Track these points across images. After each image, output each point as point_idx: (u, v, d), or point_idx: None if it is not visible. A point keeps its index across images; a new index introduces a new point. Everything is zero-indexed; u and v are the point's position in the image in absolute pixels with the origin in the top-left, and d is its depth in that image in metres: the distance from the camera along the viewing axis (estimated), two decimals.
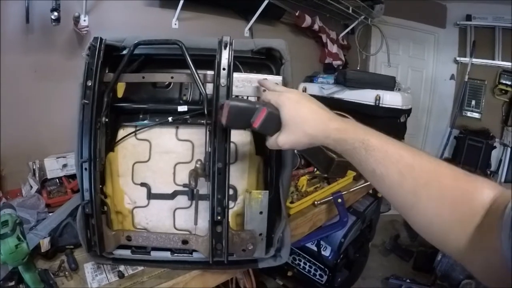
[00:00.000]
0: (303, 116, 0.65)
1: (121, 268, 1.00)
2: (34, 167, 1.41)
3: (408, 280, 2.45)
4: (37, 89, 1.45)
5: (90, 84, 0.84)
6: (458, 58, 3.51)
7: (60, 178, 1.44)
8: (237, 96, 0.85)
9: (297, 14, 2.38)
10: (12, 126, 1.39)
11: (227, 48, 0.84)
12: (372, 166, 0.55)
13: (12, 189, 1.39)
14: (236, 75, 0.85)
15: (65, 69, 1.44)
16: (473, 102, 3.45)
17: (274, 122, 0.67)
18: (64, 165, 1.43)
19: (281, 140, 0.67)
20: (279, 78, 0.88)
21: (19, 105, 1.41)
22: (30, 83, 1.42)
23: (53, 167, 1.42)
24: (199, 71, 0.85)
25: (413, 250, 2.97)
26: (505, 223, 0.38)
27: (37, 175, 1.41)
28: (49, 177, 1.42)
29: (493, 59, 3.31)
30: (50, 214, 1.22)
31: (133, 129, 0.95)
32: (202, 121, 0.87)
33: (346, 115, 1.36)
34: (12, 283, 0.86)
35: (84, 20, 1.46)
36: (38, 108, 1.46)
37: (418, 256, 2.88)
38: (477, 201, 0.45)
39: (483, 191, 0.46)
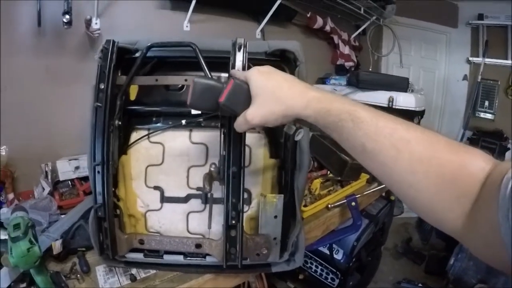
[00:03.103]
0: (276, 84, 0.57)
1: (133, 271, 0.99)
2: (47, 169, 1.42)
3: (420, 284, 2.42)
4: (49, 92, 1.45)
5: (102, 87, 0.84)
6: (470, 58, 3.44)
7: (72, 180, 1.44)
8: None
9: (308, 15, 2.36)
10: (25, 128, 1.39)
11: (241, 50, 0.82)
12: (361, 141, 0.48)
13: (25, 191, 1.40)
14: None
15: (76, 72, 1.45)
16: (486, 103, 3.38)
17: (243, 95, 0.58)
18: (77, 167, 1.43)
19: (250, 113, 0.58)
20: None
21: (31, 108, 1.41)
22: (42, 85, 1.43)
23: (65, 169, 1.42)
24: (212, 74, 0.84)
25: (425, 254, 2.93)
26: (501, 204, 0.35)
27: (49, 177, 1.41)
28: (61, 179, 1.42)
29: (506, 59, 3.24)
30: (62, 216, 1.23)
31: (146, 132, 0.95)
32: (216, 124, 0.86)
33: None
34: (24, 285, 0.86)
35: (96, 23, 1.46)
36: (50, 111, 1.47)
37: (430, 260, 2.84)
38: (474, 176, 0.42)
39: (479, 164, 0.42)
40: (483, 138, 3.13)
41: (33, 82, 1.40)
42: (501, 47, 3.25)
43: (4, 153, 1.34)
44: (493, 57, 3.29)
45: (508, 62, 3.23)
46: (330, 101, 0.53)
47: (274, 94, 0.56)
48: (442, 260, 2.62)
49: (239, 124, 0.62)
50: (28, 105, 1.40)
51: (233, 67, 0.81)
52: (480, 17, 3.29)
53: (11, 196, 1.33)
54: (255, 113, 0.58)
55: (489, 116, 3.39)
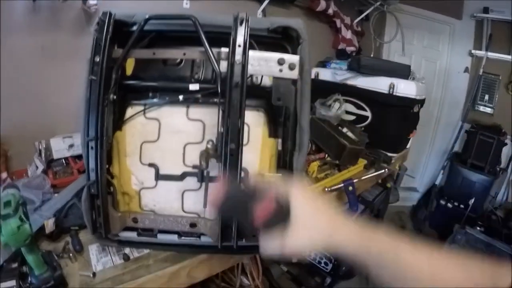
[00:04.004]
0: (319, 216, 0.53)
1: (127, 250, 0.99)
2: (40, 147, 1.40)
3: None
4: (44, 69, 1.43)
5: (98, 59, 0.81)
6: (473, 51, 3.41)
7: (66, 158, 1.42)
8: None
9: None
10: (19, 106, 1.37)
11: (243, 25, 0.79)
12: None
13: (18, 170, 1.38)
14: (251, 53, 0.80)
15: (72, 48, 1.41)
16: (486, 97, 3.37)
17: (281, 216, 0.51)
18: (71, 145, 1.41)
19: (290, 243, 0.52)
20: (296, 58, 0.83)
21: (26, 85, 1.39)
22: (37, 62, 1.40)
23: (59, 147, 1.40)
24: (212, 49, 0.81)
25: None
26: None
27: (43, 155, 1.39)
28: (55, 157, 1.40)
29: (509, 54, 3.21)
30: (56, 194, 1.21)
31: (142, 108, 0.91)
32: (215, 100, 0.83)
33: None
34: (15, 265, 0.84)
35: None
36: (45, 88, 1.44)
37: None
38: None
39: None
40: (481, 132, 3.13)
41: (28, 59, 1.37)
42: (504, 42, 3.22)
43: None
44: (496, 52, 3.26)
45: (511, 57, 3.20)
46: (368, 239, 0.51)
47: (317, 225, 0.52)
48: None
49: (272, 249, 0.54)
50: (23, 83, 1.38)
51: (234, 41, 0.78)
52: (485, 10, 3.25)
53: (4, 175, 1.32)
54: (295, 246, 0.52)
55: (488, 110, 3.39)
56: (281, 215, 0.51)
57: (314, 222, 0.52)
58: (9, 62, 1.30)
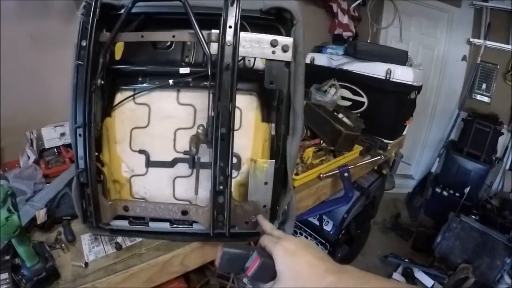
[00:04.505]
0: (298, 269, 0.60)
1: (119, 239, 0.98)
2: (31, 136, 1.38)
3: (406, 260, 2.46)
4: (34, 57, 1.41)
5: (84, 44, 0.78)
6: (471, 39, 3.36)
7: (58, 147, 1.40)
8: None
9: None
10: (10, 96, 1.35)
11: (235, 5, 0.76)
12: None
13: (10, 161, 1.37)
14: (243, 34, 0.77)
15: (62, 36, 1.38)
16: (484, 86, 3.34)
17: (268, 271, 0.62)
18: (62, 134, 1.39)
19: None
20: (289, 40, 0.80)
21: (16, 75, 1.37)
22: (26, 51, 1.38)
23: (51, 136, 1.38)
24: (203, 31, 0.78)
25: (412, 230, 2.99)
26: None
27: (34, 145, 1.37)
28: (46, 146, 1.38)
29: (508, 44, 3.17)
30: (47, 184, 1.19)
31: (131, 93, 0.89)
32: (206, 83, 0.81)
33: None
34: (8, 257, 0.83)
35: None
36: (36, 77, 1.43)
37: (417, 236, 2.90)
38: None
39: None
40: (478, 121, 3.12)
41: (17, 48, 1.35)
42: (503, 31, 3.18)
43: None
44: (494, 41, 3.21)
45: (509, 47, 3.16)
46: (342, 285, 0.56)
47: (297, 282, 0.59)
48: (429, 237, 2.68)
49: None
50: (13, 72, 1.35)
51: (225, 22, 0.75)
52: None
53: None
54: None
55: (485, 99, 3.36)
56: (267, 270, 0.62)
57: (294, 280, 0.60)
58: None
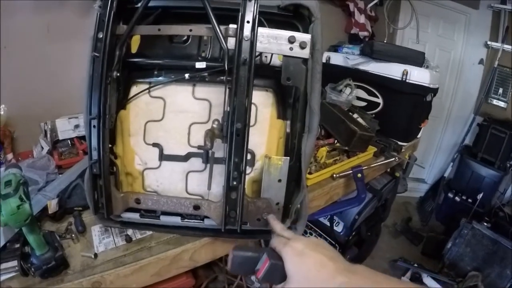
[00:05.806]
0: (307, 270, 0.59)
1: (129, 232, 0.98)
2: (46, 128, 1.39)
3: (415, 265, 2.42)
4: (49, 49, 1.41)
5: (101, 36, 0.79)
6: (489, 42, 3.29)
7: (72, 139, 1.42)
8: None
9: None
10: (25, 87, 1.37)
11: (253, 0, 0.75)
12: None
13: (24, 151, 1.39)
14: (261, 29, 0.77)
15: (78, 28, 1.38)
16: (500, 90, 3.26)
17: (278, 273, 0.62)
18: (76, 126, 1.41)
19: None
20: (307, 36, 0.79)
21: (32, 66, 1.38)
22: (42, 43, 1.39)
23: (65, 128, 1.40)
24: (221, 26, 0.78)
25: (423, 235, 2.94)
26: None
27: (48, 136, 1.39)
28: (60, 138, 1.40)
29: None
30: (60, 175, 1.20)
31: (146, 86, 0.89)
32: (222, 78, 0.80)
33: None
34: (18, 245, 0.84)
35: None
36: (51, 68, 1.43)
37: (427, 242, 2.85)
38: None
39: None
40: (493, 126, 3.05)
41: (33, 39, 1.36)
42: None
43: (3, 112, 1.32)
44: None
45: None
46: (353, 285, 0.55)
47: (307, 279, 0.59)
48: (439, 243, 2.63)
49: None
50: (28, 63, 1.36)
51: (243, 17, 0.75)
52: (503, 1, 3.11)
53: (10, 156, 1.32)
54: None
55: (501, 104, 3.28)
56: (277, 272, 0.62)
57: (303, 280, 0.59)
58: (14, 42, 1.29)
